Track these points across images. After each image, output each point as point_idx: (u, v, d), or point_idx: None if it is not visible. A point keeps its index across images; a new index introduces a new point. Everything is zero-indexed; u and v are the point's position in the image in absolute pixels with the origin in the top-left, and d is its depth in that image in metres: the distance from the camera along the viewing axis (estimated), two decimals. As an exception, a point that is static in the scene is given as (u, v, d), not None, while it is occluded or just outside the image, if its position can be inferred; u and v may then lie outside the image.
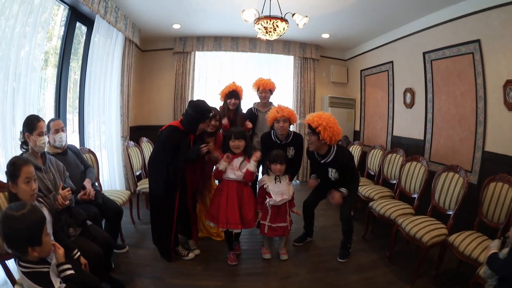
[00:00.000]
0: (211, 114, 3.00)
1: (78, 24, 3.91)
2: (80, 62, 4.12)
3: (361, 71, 6.09)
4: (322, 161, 3.09)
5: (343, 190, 3.05)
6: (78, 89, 4.14)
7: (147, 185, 3.19)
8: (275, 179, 3.00)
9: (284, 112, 3.22)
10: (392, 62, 5.09)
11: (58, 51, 3.64)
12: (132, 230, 3.69)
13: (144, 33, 5.49)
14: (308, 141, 3.08)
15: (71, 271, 1.63)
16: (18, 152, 2.35)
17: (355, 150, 5.04)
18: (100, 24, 3.94)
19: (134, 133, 5.28)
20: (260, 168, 3.63)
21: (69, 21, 3.69)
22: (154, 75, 6.20)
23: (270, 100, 3.99)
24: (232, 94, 3.69)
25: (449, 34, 3.79)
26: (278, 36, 3.54)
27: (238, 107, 3.78)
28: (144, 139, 4.63)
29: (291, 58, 6.38)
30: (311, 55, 6.26)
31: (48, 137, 2.46)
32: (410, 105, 4.64)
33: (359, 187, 3.91)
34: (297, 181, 6.31)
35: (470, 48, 3.50)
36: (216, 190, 3.08)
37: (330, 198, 3.13)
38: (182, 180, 2.92)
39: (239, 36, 5.95)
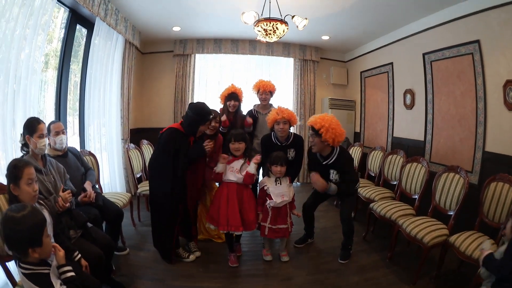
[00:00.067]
0: (211, 116, 3.00)
1: (78, 26, 3.92)
2: (81, 64, 4.13)
3: (361, 72, 6.10)
4: (324, 163, 3.09)
5: (332, 185, 3.00)
6: (78, 92, 4.14)
7: (148, 187, 3.19)
8: (276, 181, 2.99)
9: (284, 114, 3.22)
10: (392, 63, 5.10)
11: (59, 53, 3.65)
12: (133, 232, 3.68)
13: (144, 36, 5.51)
14: (311, 143, 3.08)
15: (72, 273, 1.63)
16: (18, 154, 2.36)
17: (356, 152, 5.05)
18: (100, 27, 3.95)
19: (135, 136, 5.28)
20: (261, 170, 3.64)
21: (70, 24, 3.70)
22: (154, 78, 6.21)
23: (270, 102, 3.99)
24: (232, 96, 3.70)
25: (449, 35, 3.80)
26: (278, 38, 3.55)
27: (238, 109, 3.78)
28: (145, 142, 4.64)
29: (291, 60, 6.39)
30: (311, 57, 6.27)
31: (48, 139, 2.46)
32: (410, 106, 4.64)
33: (360, 189, 3.93)
34: (297, 182, 6.30)
35: (469, 48, 3.51)
36: (217, 192, 3.08)
37: (312, 178, 3.09)
38: (182, 181, 2.92)
39: (239, 39, 5.96)
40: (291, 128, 3.44)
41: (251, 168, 2.91)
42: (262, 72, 6.32)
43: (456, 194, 2.90)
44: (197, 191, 3.26)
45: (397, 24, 4.61)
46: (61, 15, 3.65)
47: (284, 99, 6.25)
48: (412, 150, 4.47)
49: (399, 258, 3.14)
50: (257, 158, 2.93)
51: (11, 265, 1.92)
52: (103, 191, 3.46)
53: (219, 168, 2.92)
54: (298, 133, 5.83)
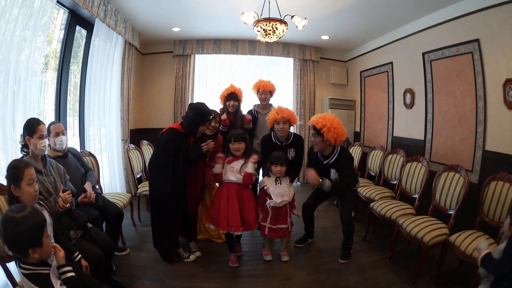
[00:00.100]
0: (211, 116, 3.01)
1: (78, 27, 3.93)
2: (80, 65, 4.13)
3: (361, 72, 6.10)
4: (324, 162, 3.10)
5: (327, 182, 2.98)
6: (78, 92, 4.15)
7: (148, 188, 3.19)
8: (276, 180, 2.99)
9: (284, 114, 3.22)
10: (391, 63, 5.09)
11: (58, 54, 3.66)
12: (133, 232, 3.69)
13: (144, 36, 5.51)
14: (312, 142, 3.09)
15: (72, 273, 1.63)
16: (18, 155, 2.36)
17: (356, 151, 5.05)
18: (100, 28, 3.95)
19: (134, 136, 5.28)
20: (261, 171, 3.64)
21: (69, 25, 3.70)
22: (154, 78, 6.22)
23: (270, 102, 3.99)
24: (231, 96, 3.71)
25: (448, 34, 3.80)
26: (278, 38, 3.55)
27: (237, 109, 3.79)
28: (145, 142, 4.65)
29: (290, 60, 6.40)
30: (310, 57, 6.27)
31: (48, 140, 2.47)
32: (410, 106, 4.64)
33: (360, 188, 3.93)
34: (297, 182, 6.30)
35: (469, 47, 3.51)
36: (217, 193, 3.08)
37: (307, 172, 3.09)
38: (182, 181, 2.92)
39: (238, 39, 5.97)
40: (291, 128, 3.45)
41: (249, 167, 2.91)
42: (262, 72, 6.33)
43: (456, 193, 2.90)
44: (198, 191, 3.26)
45: (396, 23, 4.60)
46: (61, 16, 3.65)
47: (284, 99, 6.25)
48: (412, 149, 4.47)
49: (399, 257, 3.13)
50: (254, 157, 2.94)
51: (12, 265, 1.93)
52: (103, 192, 3.47)
53: (216, 169, 2.93)
54: (298, 133, 5.82)
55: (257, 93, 3.93)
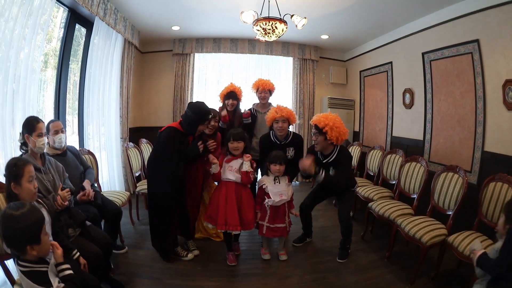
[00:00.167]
0: (210, 116, 3.01)
1: (77, 26, 3.93)
2: (80, 63, 4.13)
3: (360, 72, 6.10)
4: (324, 161, 3.11)
5: (322, 175, 2.92)
6: (77, 91, 4.15)
7: (146, 186, 3.19)
8: (275, 179, 2.99)
9: (283, 112, 3.23)
10: (391, 62, 5.10)
11: (58, 53, 3.66)
12: (132, 230, 3.69)
13: (144, 35, 5.51)
14: (314, 141, 3.09)
15: (70, 271, 1.63)
16: (17, 153, 2.36)
17: (355, 151, 5.05)
18: (99, 26, 3.95)
19: (134, 135, 5.29)
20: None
21: (69, 23, 3.70)
22: (153, 77, 6.22)
23: (269, 101, 3.99)
24: (230, 95, 3.71)
25: (448, 34, 3.80)
26: (277, 38, 3.54)
27: (236, 108, 3.78)
28: (144, 140, 4.65)
29: (290, 60, 6.40)
30: (310, 56, 6.27)
31: (47, 138, 2.47)
32: (409, 106, 4.64)
33: (358, 188, 3.94)
34: (296, 182, 6.30)
35: (469, 48, 3.51)
36: (215, 191, 3.07)
37: (304, 159, 3.03)
38: (181, 180, 2.92)
39: (238, 38, 5.96)
40: (290, 127, 3.45)
41: (244, 166, 2.91)
42: (261, 71, 6.32)
43: (455, 194, 2.90)
44: (198, 191, 3.26)
45: (396, 23, 4.60)
46: (60, 14, 3.65)
47: (283, 98, 6.24)
48: (411, 149, 4.47)
49: (397, 257, 3.14)
50: (247, 155, 2.94)
51: (10, 263, 1.93)
52: (102, 190, 3.47)
53: (213, 168, 2.93)
54: (297, 132, 5.82)
55: (257, 92, 3.94)
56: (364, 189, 3.96)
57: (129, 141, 4.68)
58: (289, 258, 3.13)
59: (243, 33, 5.58)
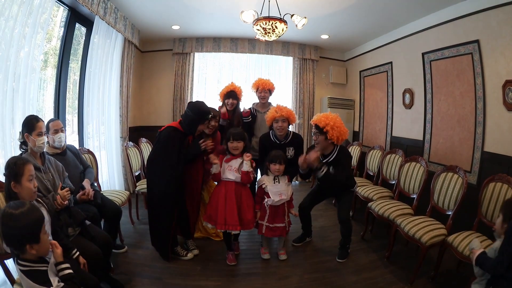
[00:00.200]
0: (210, 115, 3.00)
1: (77, 25, 3.92)
2: (80, 63, 4.13)
3: (360, 72, 6.10)
4: (324, 161, 3.10)
5: (323, 172, 2.90)
6: (77, 90, 4.14)
7: (146, 186, 3.19)
8: (274, 179, 2.99)
9: (283, 112, 3.22)
10: (391, 62, 5.10)
11: (58, 52, 3.65)
12: (131, 230, 3.69)
13: (144, 34, 5.50)
14: (314, 141, 3.09)
15: (70, 270, 1.63)
16: (17, 152, 2.36)
17: (354, 151, 5.05)
18: (99, 25, 3.95)
19: (133, 134, 5.29)
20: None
21: (69, 22, 3.70)
22: (153, 76, 6.21)
23: (269, 101, 3.99)
24: (230, 95, 3.70)
25: (448, 35, 3.80)
26: (277, 37, 3.54)
27: (236, 107, 3.78)
28: (143, 140, 4.64)
29: (290, 59, 6.40)
30: (310, 56, 6.27)
31: (47, 137, 2.46)
32: (409, 106, 4.64)
33: (358, 188, 3.94)
34: (296, 181, 6.30)
35: (469, 48, 3.51)
36: (214, 191, 3.07)
37: (311, 153, 3.02)
38: (181, 179, 2.92)
39: (238, 37, 5.96)
40: (290, 126, 3.45)
41: (244, 166, 2.91)
42: (261, 71, 6.32)
43: (454, 194, 2.90)
44: (198, 190, 3.26)
45: (396, 23, 4.60)
46: (60, 13, 3.65)
47: (283, 97, 6.24)
48: (411, 149, 4.48)
49: (397, 257, 3.14)
50: (247, 155, 2.93)
51: (10, 263, 1.93)
52: (102, 189, 3.47)
53: (214, 168, 2.92)
54: (297, 132, 5.82)
55: (256, 91, 3.93)
56: (363, 189, 3.96)
57: (129, 141, 4.67)
58: (288, 257, 3.13)
59: (243, 33, 5.58)
